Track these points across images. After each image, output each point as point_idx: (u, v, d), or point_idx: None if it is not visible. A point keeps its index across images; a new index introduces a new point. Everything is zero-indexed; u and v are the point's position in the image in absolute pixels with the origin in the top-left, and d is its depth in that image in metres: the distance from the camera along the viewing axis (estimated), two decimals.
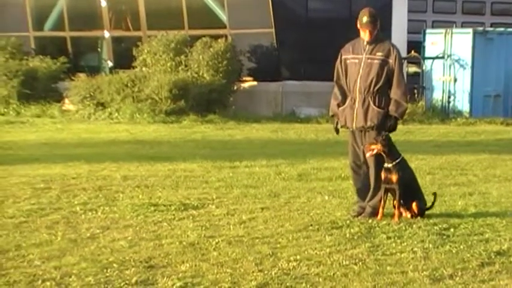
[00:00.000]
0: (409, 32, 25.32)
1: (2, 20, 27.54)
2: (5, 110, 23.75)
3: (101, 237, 8.04)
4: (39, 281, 6.51)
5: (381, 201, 8.94)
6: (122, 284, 6.48)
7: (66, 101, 24.44)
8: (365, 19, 8.93)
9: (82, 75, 24.71)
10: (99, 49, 27.79)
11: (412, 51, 24.14)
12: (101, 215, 9.08)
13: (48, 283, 6.48)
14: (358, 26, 9.01)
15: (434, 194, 9.31)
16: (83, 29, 27.99)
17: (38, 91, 24.41)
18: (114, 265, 6.97)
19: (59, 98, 24.62)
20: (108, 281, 6.55)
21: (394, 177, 8.81)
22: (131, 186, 10.99)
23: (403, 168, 8.94)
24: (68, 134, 18.95)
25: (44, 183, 11.03)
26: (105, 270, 6.82)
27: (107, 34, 27.14)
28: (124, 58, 25.56)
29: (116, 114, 22.41)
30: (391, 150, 8.84)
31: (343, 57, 9.15)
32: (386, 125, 8.96)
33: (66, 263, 7.06)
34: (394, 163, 8.84)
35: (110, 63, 26.79)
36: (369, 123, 8.93)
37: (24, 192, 10.43)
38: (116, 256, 7.27)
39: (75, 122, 21.94)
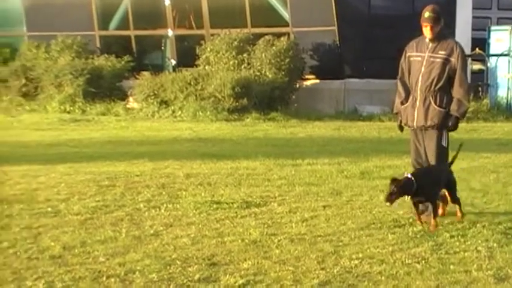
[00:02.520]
0: (473, 29, 24.99)
1: (68, 20, 27.93)
2: (71, 108, 24.07)
3: (164, 234, 8.12)
4: (104, 277, 6.60)
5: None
6: (185, 281, 6.54)
7: (131, 99, 24.68)
8: (427, 14, 8.87)
9: (146, 74, 24.94)
10: (162, 47, 28.01)
11: (477, 49, 23.83)
12: (164, 212, 9.17)
13: (112, 279, 6.57)
14: (421, 21, 8.95)
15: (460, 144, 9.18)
16: (147, 28, 28.27)
17: (103, 89, 24.70)
18: (177, 262, 7.04)
19: (123, 96, 24.88)
20: (171, 278, 6.61)
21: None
22: (194, 184, 11.06)
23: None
24: (132, 132, 19.14)
25: (108, 181, 11.17)
26: (168, 267, 6.89)
27: (170, 33, 27.36)
28: (187, 56, 25.74)
29: (179, 112, 22.56)
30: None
31: (407, 54, 9.10)
32: (447, 124, 8.89)
33: (130, 259, 7.15)
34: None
35: (174, 62, 26.99)
36: (429, 123, 8.87)
37: (90, 189, 10.57)
38: (179, 253, 7.34)
39: (139, 120, 22.15)
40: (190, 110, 22.30)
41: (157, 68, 26.20)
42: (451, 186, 8.91)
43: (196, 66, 24.43)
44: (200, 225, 8.51)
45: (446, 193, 8.86)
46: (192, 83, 23.03)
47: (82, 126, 20.48)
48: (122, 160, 13.44)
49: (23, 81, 25.52)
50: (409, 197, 8.47)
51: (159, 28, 27.77)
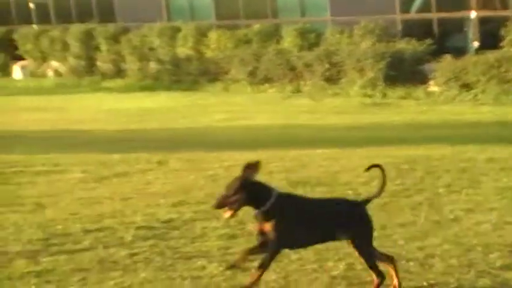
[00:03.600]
0: None
1: (370, 4, 28.18)
2: (372, 92, 24.32)
3: (464, 219, 8.02)
4: (403, 261, 6.65)
5: None
6: (486, 268, 6.43)
7: (431, 82, 24.49)
8: None
9: (447, 57, 24.61)
10: (465, 30, 27.49)
11: None
12: (464, 197, 9.03)
13: (411, 263, 6.61)
14: None
15: None
16: (449, 10, 27.86)
17: (404, 73, 24.71)
18: (478, 248, 6.93)
19: (424, 79, 24.74)
20: (471, 264, 6.53)
21: None
22: (495, 169, 10.77)
23: None
24: (432, 115, 19.02)
25: (408, 164, 11.17)
26: (468, 253, 6.81)
27: (473, 14, 26.77)
28: (490, 38, 25.06)
29: (481, 95, 22.05)
30: None
31: None
32: None
33: (429, 244, 7.14)
34: None
35: (476, 44, 26.39)
36: None
37: (389, 173, 10.62)
38: (480, 239, 7.22)
39: (439, 103, 21.93)
40: (492, 94, 21.73)
41: (459, 51, 25.75)
42: None
43: (501, 48, 23.71)
44: (502, 211, 8.29)
45: None
46: (495, 66, 22.41)
47: (382, 110, 20.65)
48: (421, 144, 13.40)
49: (326, 65, 26.16)
50: None
51: (462, 10, 27.26)
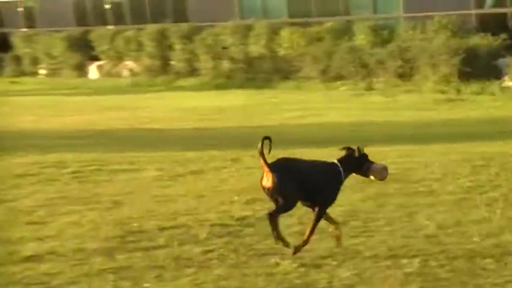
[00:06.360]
0: None
1: None
2: (446, 88, 24.05)
3: None
4: (479, 258, 6.60)
5: None
6: None
7: (506, 78, 24.11)
8: None
9: None
10: None
11: None
12: None
13: (487, 260, 6.55)
14: None
15: None
16: None
17: (478, 68, 24.37)
18: None
19: (498, 75, 24.37)
20: None
21: None
22: None
23: None
24: (506, 111, 18.73)
25: (483, 161, 11.05)
26: None
27: None
28: None
29: None
30: None
31: None
32: None
33: (505, 240, 7.07)
34: None
35: None
36: None
37: (464, 169, 10.55)
38: None
39: None
40: None
41: None
42: None
43: None
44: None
45: None
46: None
47: (457, 106, 20.42)
48: (496, 140, 13.23)
49: (399, 62, 25.94)
50: None
51: None
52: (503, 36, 25.17)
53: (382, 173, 6.98)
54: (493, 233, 7.31)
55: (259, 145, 6.58)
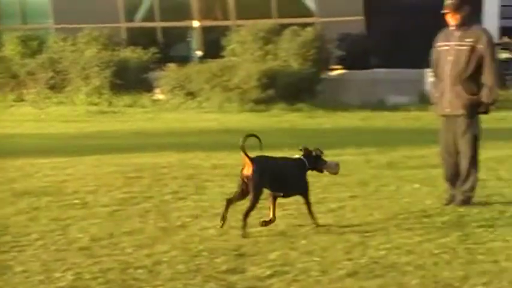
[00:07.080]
0: (502, 18, 24.79)
1: (94, 12, 28.01)
2: (98, 100, 24.17)
3: (191, 225, 8.13)
4: (131, 269, 6.62)
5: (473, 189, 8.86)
6: (212, 272, 6.54)
7: (157, 90, 24.75)
8: (447, 1, 8.81)
9: (172, 65, 24.99)
10: (188, 39, 28.06)
11: (505, 37, 23.65)
12: (191, 204, 9.18)
13: (140, 271, 6.59)
14: (443, 10, 8.88)
15: None
16: (172, 20, 28.32)
17: (130, 81, 24.78)
18: (204, 253, 7.04)
19: (149, 88, 24.96)
20: (198, 269, 6.62)
21: None
22: (220, 175, 11.05)
23: None
24: (158, 123, 19.21)
25: (135, 172, 11.19)
26: (195, 258, 6.90)
27: (196, 24, 27.38)
28: (213, 48, 25.77)
29: (205, 103, 22.60)
30: None
31: (436, 44, 9.04)
32: (478, 111, 8.82)
33: (157, 251, 7.16)
34: None
35: (199, 53, 27.02)
36: (459, 111, 8.80)
37: (117, 181, 10.61)
38: (206, 244, 7.34)
39: (166, 111, 22.20)
40: (216, 101, 22.34)
41: (183, 60, 26.24)
42: None
43: (222, 57, 24.44)
44: (227, 217, 8.49)
45: None
46: (218, 74, 23.07)
47: (109, 118, 20.58)
48: (148, 152, 13.48)
49: (51, 73, 25.65)
50: None
51: (185, 19, 27.81)
52: (153, 50, 25.82)
53: (335, 168, 8.34)
54: (145, 244, 7.38)
55: (241, 140, 7.78)
